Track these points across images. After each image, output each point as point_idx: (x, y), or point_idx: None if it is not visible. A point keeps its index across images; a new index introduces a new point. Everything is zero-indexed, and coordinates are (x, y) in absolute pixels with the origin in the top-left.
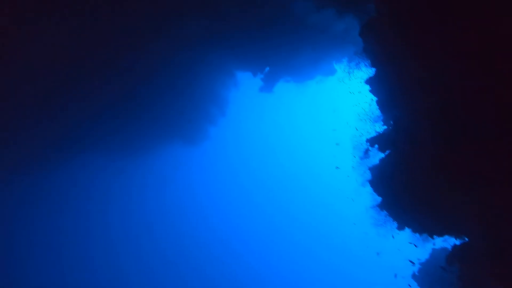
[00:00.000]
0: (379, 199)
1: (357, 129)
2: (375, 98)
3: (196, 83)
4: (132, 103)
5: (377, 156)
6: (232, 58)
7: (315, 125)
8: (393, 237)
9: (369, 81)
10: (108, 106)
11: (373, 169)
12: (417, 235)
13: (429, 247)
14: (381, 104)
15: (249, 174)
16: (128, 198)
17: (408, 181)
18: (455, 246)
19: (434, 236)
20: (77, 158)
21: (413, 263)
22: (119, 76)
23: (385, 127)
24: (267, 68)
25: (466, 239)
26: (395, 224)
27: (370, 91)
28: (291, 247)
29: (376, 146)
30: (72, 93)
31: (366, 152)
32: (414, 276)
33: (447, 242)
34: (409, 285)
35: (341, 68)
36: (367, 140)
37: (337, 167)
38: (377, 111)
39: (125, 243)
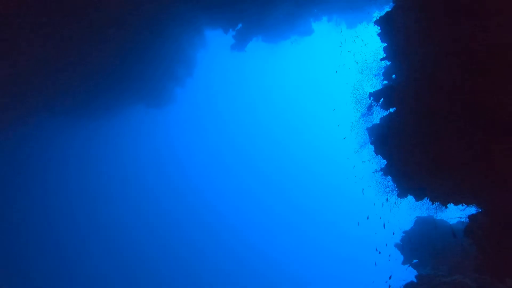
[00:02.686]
0: (383, 162)
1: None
2: (382, 45)
3: (160, 39)
4: (88, 62)
5: (380, 113)
6: (200, 13)
7: (290, 87)
8: (391, 202)
9: (380, 21)
10: (61, 63)
11: (377, 128)
12: (420, 203)
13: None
14: (391, 51)
15: (218, 138)
16: (86, 165)
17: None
18: (473, 216)
19: (449, 205)
20: (29, 120)
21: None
22: (73, 32)
23: (392, 79)
24: (240, 25)
25: (481, 208)
26: (396, 191)
27: (379, 34)
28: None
29: (382, 100)
30: (25, 48)
31: (370, 108)
32: (397, 245)
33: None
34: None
35: (319, 27)
36: (371, 94)
37: (339, 125)
38: (380, 63)
39: (79, 212)
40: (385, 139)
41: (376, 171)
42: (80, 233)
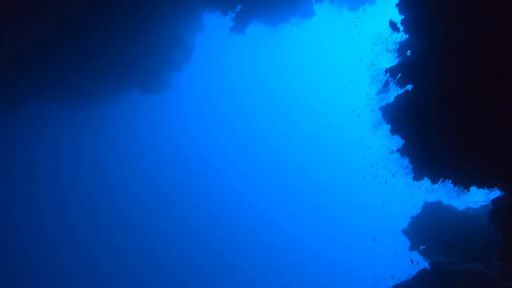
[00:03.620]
0: (400, 142)
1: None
2: (400, 17)
3: (155, 22)
4: (83, 45)
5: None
6: None
7: (291, 72)
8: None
9: None
10: (55, 49)
11: (393, 106)
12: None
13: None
14: (410, 22)
15: (217, 125)
16: (79, 151)
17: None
18: (497, 200)
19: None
20: (22, 107)
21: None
22: (70, 14)
23: (407, 54)
24: (239, 7)
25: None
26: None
27: (398, 4)
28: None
29: (399, 76)
30: (16, 29)
31: (386, 84)
32: (404, 231)
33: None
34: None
35: (321, 9)
36: (387, 70)
37: (353, 111)
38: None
39: (74, 200)
40: (402, 117)
41: (393, 151)
42: (72, 229)
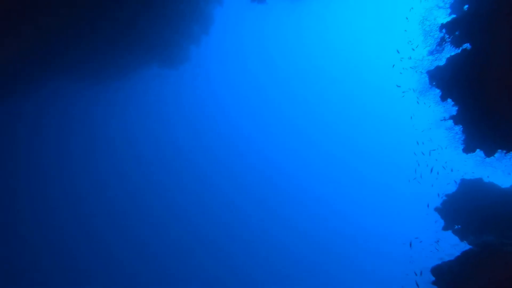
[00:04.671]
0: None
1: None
2: None
3: None
4: (101, 21)
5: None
6: None
7: (314, 44)
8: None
9: None
10: (74, 25)
11: (447, 67)
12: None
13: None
14: None
15: (236, 101)
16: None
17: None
18: None
19: None
20: (45, 85)
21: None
22: None
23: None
24: None
25: None
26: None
27: None
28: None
29: (457, 33)
30: (35, 9)
31: (441, 42)
32: (437, 209)
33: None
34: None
35: None
36: (443, 26)
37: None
38: None
39: (85, 183)
40: (459, 80)
41: (445, 119)
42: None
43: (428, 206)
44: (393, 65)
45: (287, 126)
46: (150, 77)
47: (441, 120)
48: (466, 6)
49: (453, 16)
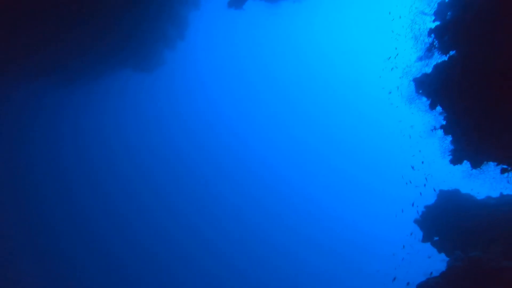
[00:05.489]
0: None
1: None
2: None
3: None
4: (72, 21)
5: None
6: None
7: (291, 50)
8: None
9: None
10: (46, 27)
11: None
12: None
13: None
14: None
15: (211, 105)
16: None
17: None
18: None
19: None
20: (17, 88)
21: None
22: None
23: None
24: None
25: None
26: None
27: None
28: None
29: (445, 39)
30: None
31: (431, 48)
32: (416, 221)
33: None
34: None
35: None
36: (432, 31)
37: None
38: None
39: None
40: (444, 89)
41: (435, 128)
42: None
43: (401, 212)
44: (392, 68)
45: (267, 128)
46: (123, 80)
47: (432, 130)
48: (449, 13)
49: (437, 23)
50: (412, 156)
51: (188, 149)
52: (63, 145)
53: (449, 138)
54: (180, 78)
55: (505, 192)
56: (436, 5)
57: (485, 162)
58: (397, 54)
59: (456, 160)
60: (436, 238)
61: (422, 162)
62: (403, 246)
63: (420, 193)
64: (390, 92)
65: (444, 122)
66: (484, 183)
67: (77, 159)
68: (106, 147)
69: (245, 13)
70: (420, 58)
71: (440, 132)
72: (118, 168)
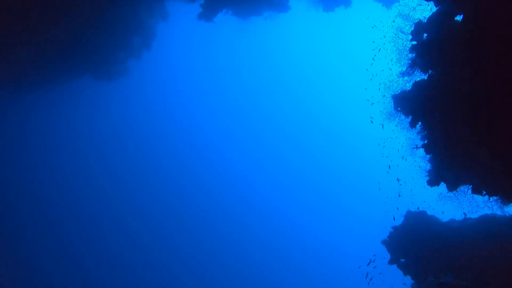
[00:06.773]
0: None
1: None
2: None
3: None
4: (34, 26)
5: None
6: None
7: (260, 65)
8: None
9: None
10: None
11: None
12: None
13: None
14: None
15: (175, 115)
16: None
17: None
18: None
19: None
20: None
21: None
22: None
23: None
24: None
25: None
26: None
27: None
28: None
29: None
30: None
31: (413, 64)
32: (384, 242)
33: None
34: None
35: (296, 4)
36: (414, 47)
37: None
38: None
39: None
40: (422, 108)
41: (417, 147)
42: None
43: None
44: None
45: (235, 135)
46: (82, 88)
47: (413, 148)
48: (425, 35)
49: (414, 42)
50: (387, 173)
51: (142, 160)
52: (18, 148)
53: (428, 158)
54: (144, 88)
55: (477, 215)
56: (413, 25)
57: (461, 186)
58: (372, 64)
59: (433, 181)
60: (402, 260)
61: (398, 180)
62: (372, 265)
63: (394, 218)
64: (372, 103)
65: (424, 141)
66: (460, 206)
67: (28, 163)
68: (57, 154)
69: (216, 26)
70: (402, 74)
71: (421, 150)
72: (73, 173)
